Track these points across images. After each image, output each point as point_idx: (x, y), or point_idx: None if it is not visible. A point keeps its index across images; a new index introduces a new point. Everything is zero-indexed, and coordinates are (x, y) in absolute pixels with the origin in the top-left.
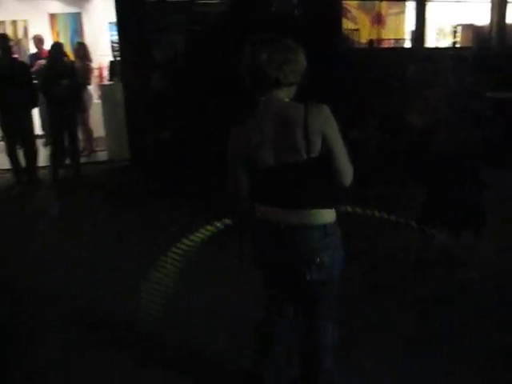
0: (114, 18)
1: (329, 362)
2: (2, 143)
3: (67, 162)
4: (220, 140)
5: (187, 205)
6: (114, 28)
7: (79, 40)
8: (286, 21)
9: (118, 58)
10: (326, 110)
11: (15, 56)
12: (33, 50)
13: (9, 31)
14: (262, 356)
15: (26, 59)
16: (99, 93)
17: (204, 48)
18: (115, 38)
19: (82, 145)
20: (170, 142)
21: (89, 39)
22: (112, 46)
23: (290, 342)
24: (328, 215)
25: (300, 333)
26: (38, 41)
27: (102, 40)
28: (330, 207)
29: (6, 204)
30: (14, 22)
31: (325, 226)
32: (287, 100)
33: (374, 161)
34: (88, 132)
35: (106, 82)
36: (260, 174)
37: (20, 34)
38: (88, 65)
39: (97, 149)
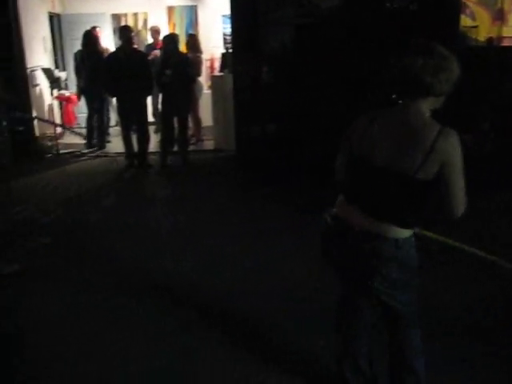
0: (227, 11)
1: (416, 364)
2: (117, 128)
3: (175, 149)
4: (326, 135)
5: (286, 197)
6: (227, 21)
7: (192, 32)
8: (400, 16)
9: (230, 50)
10: (456, 140)
11: (135, 46)
12: (150, 40)
13: (130, 23)
14: (342, 355)
15: (143, 49)
16: (209, 83)
17: (315, 42)
18: (227, 30)
19: (190, 133)
20: (275, 135)
21: (202, 31)
22: (224, 38)
23: (368, 341)
24: (404, 231)
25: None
26: (154, 32)
27: (214, 32)
28: (408, 228)
29: (117, 186)
30: (135, 15)
31: (396, 240)
32: (427, 114)
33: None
34: (197, 121)
35: (216, 73)
36: (360, 170)
37: (140, 25)
38: (198, 56)
39: (204, 138)
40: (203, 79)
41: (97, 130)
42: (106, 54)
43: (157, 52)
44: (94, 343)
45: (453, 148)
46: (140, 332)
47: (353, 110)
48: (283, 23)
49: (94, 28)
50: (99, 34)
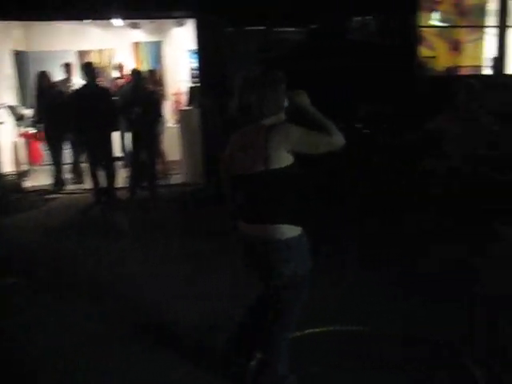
0: (193, 46)
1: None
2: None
3: (144, 184)
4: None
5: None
6: (194, 55)
7: (158, 67)
8: (363, 49)
9: (198, 84)
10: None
11: (100, 82)
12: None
13: (96, 59)
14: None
15: (109, 84)
16: (177, 117)
17: None
18: (195, 64)
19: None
20: None
21: (169, 66)
22: (191, 73)
23: None
24: (288, 230)
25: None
26: (119, 68)
27: (181, 67)
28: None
29: (84, 222)
30: (100, 51)
31: (286, 241)
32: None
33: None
34: (162, 155)
35: (183, 107)
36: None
37: (106, 61)
38: (160, 89)
39: (172, 172)
40: (168, 113)
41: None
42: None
43: (120, 81)
44: None
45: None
46: None
47: None
48: (249, 57)
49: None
50: (72, 71)
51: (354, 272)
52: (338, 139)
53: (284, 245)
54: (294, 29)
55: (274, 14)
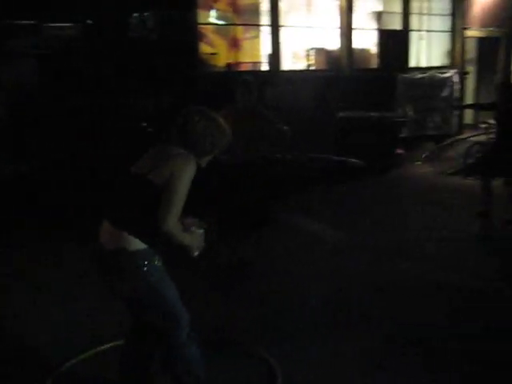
0: None
1: None
2: None
3: None
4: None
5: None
6: None
7: None
8: (140, 45)
9: None
10: None
11: None
12: None
13: None
14: None
15: None
16: None
17: (54, 73)
18: None
19: None
20: (18, 177)
21: None
22: None
23: None
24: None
25: None
26: None
27: None
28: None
29: None
30: None
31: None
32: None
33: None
34: None
35: None
36: None
37: None
38: None
39: None
40: None
41: None
42: None
43: None
44: None
45: None
46: None
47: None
48: (21, 54)
49: None
50: None
51: None
52: (165, 228)
53: (126, 255)
54: (69, 24)
55: (46, 8)
